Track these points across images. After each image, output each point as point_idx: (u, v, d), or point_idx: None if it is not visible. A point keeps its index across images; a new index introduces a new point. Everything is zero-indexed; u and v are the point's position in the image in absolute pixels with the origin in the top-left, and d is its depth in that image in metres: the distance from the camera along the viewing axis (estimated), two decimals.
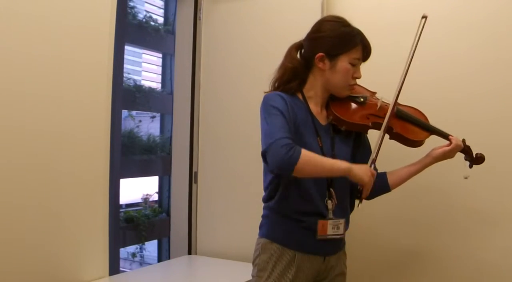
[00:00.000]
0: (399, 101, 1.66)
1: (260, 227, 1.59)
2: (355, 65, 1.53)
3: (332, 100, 1.59)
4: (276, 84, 1.57)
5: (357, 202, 1.53)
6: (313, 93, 1.57)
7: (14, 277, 1.72)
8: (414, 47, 1.59)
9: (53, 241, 1.87)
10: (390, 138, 1.61)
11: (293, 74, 1.55)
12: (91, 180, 2.03)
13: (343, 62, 1.51)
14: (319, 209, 1.51)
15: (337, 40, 1.51)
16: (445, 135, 1.63)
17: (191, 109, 2.68)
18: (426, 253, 2.11)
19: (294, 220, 1.51)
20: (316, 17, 2.17)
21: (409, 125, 1.62)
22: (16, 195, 1.74)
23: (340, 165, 1.44)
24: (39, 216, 1.81)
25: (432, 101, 2.03)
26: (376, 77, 2.11)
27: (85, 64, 1.99)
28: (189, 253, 2.65)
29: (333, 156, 1.52)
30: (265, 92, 1.58)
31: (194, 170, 2.67)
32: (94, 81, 2.03)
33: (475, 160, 1.66)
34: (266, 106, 1.48)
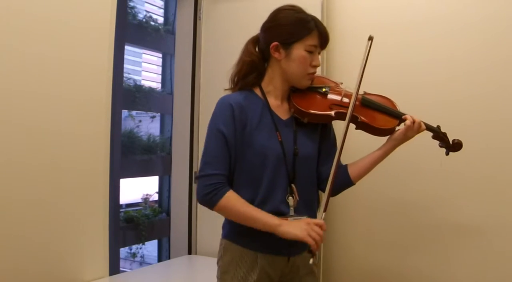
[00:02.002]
0: (366, 89, 1.61)
1: (222, 227, 1.56)
2: (312, 52, 1.48)
3: (293, 92, 1.54)
4: (235, 79, 1.54)
5: (308, 257, 1.38)
6: (272, 86, 1.53)
7: (14, 277, 1.72)
8: (362, 69, 1.52)
9: (54, 241, 1.87)
10: (356, 128, 1.55)
11: (251, 68, 1.52)
12: (91, 180, 2.03)
13: (298, 50, 1.46)
14: (279, 206, 1.46)
15: (290, 28, 1.47)
16: (400, 118, 1.53)
17: (191, 109, 2.68)
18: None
19: None
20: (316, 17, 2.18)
21: (376, 114, 1.55)
22: (16, 195, 1.74)
23: (266, 219, 1.38)
24: (39, 216, 1.81)
25: (430, 102, 2.03)
26: (375, 77, 2.12)
27: (85, 64, 1.99)
28: (189, 253, 2.65)
29: (295, 150, 1.48)
30: (224, 89, 1.57)
31: (194, 170, 2.68)
32: (94, 81, 2.03)
33: (452, 146, 1.59)
34: (212, 124, 1.47)
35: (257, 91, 1.53)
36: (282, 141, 1.47)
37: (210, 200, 1.41)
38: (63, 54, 1.90)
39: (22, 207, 1.76)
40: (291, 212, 1.47)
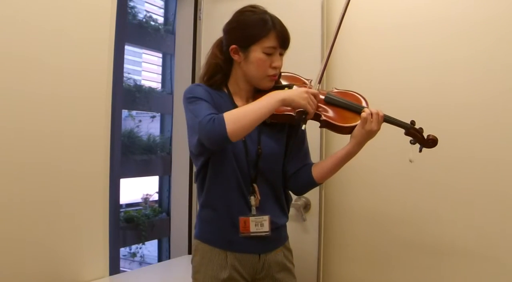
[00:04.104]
0: (339, 86, 1.60)
1: (195, 227, 1.57)
2: (271, 54, 1.46)
3: (257, 92, 1.54)
4: (205, 79, 1.56)
5: (302, 124, 1.42)
6: (237, 87, 1.55)
7: (14, 277, 1.72)
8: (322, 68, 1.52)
9: (53, 241, 1.87)
10: (321, 126, 1.52)
11: (216, 70, 1.54)
12: (91, 180, 2.03)
13: (255, 52, 1.46)
14: (242, 205, 1.48)
15: (247, 30, 1.47)
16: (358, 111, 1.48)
17: None
18: None
19: (220, 218, 1.48)
20: (316, 17, 2.18)
21: (339, 111, 1.50)
22: (16, 195, 1.74)
23: (270, 100, 1.36)
24: (39, 216, 1.81)
25: (429, 106, 2.00)
26: (374, 79, 2.11)
27: (85, 64, 1.99)
28: (189, 253, 2.64)
29: (258, 150, 1.49)
30: None
31: (194, 169, 2.67)
32: (94, 81, 2.03)
33: (426, 142, 1.48)
34: (185, 99, 1.47)
35: (225, 90, 1.56)
36: (245, 141, 1.48)
37: (218, 127, 1.31)
38: (63, 54, 1.90)
39: (22, 207, 1.76)
40: (253, 211, 1.48)
